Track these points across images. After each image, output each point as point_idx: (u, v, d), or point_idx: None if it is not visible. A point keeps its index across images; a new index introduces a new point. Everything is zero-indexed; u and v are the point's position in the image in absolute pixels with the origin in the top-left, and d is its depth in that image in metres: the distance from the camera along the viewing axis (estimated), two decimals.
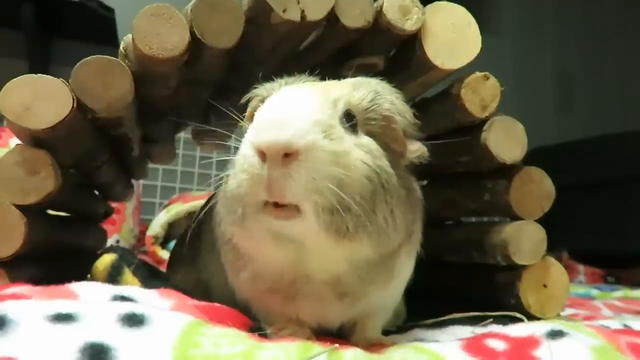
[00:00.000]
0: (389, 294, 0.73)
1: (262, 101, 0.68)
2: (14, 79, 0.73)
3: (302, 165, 0.55)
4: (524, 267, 0.89)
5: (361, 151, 0.60)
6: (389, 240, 0.63)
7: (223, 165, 0.65)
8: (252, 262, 0.66)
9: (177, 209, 2.24)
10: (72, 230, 1.07)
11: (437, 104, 0.93)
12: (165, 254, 2.08)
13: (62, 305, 0.53)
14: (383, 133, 0.66)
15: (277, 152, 0.54)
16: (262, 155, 0.55)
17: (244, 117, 0.72)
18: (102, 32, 2.31)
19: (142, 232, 2.32)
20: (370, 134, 0.65)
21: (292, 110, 0.58)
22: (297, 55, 0.94)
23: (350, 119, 0.63)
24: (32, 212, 0.75)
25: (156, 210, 2.61)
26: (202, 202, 1.53)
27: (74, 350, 0.46)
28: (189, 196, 2.37)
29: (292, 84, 0.69)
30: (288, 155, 0.54)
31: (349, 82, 0.68)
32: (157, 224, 2.21)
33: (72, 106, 0.73)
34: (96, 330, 0.50)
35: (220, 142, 0.75)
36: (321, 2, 0.78)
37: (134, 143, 1.03)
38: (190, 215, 2.15)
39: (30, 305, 0.53)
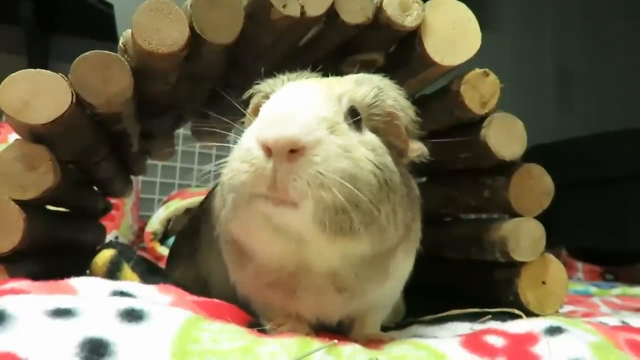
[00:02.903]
0: (387, 291, 0.73)
1: (265, 97, 0.68)
2: (13, 74, 0.72)
3: (308, 162, 0.54)
4: (522, 263, 0.89)
5: (365, 148, 0.61)
6: (388, 238, 0.63)
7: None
8: (255, 258, 0.65)
9: (176, 205, 2.24)
10: (71, 226, 1.07)
11: (436, 101, 0.93)
12: (164, 250, 2.08)
13: (62, 301, 0.53)
14: (386, 129, 0.66)
15: (284, 147, 0.54)
16: (268, 150, 0.55)
17: (245, 112, 0.71)
18: (101, 28, 2.31)
19: (141, 229, 2.32)
20: (373, 130, 0.65)
21: (298, 106, 0.58)
22: (297, 51, 0.94)
23: (354, 115, 0.63)
24: (31, 208, 0.75)
25: (155, 206, 2.60)
26: (201, 198, 1.53)
27: (73, 345, 0.46)
28: (188, 192, 2.37)
29: (295, 80, 0.69)
30: (294, 151, 0.54)
31: (351, 78, 0.68)
32: (156, 220, 2.21)
33: (71, 101, 0.73)
34: (95, 326, 0.50)
35: (221, 132, 0.74)
36: None
37: (133, 139, 1.02)
38: (189, 211, 2.15)
39: (30, 300, 0.53)
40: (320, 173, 0.55)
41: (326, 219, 0.56)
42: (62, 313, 0.51)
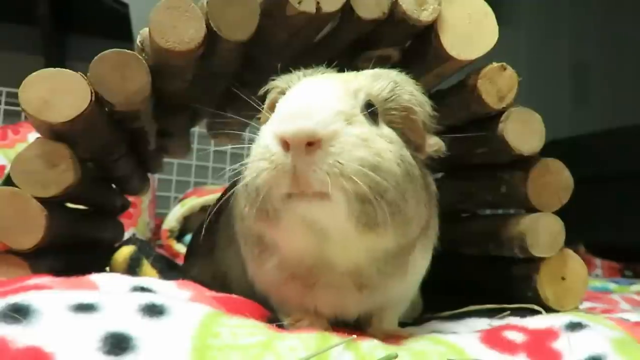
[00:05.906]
0: (406, 286, 0.73)
1: (281, 93, 0.69)
2: (33, 74, 0.74)
3: (326, 154, 0.54)
4: (541, 259, 0.88)
5: (384, 140, 0.60)
6: (410, 232, 0.63)
7: (237, 158, 0.65)
8: (277, 251, 0.65)
9: (192, 202, 2.26)
10: (90, 223, 1.08)
11: (453, 95, 0.92)
12: (180, 248, 2.10)
13: (84, 296, 0.54)
14: (403, 124, 0.66)
15: (301, 141, 0.54)
16: (285, 145, 0.55)
17: (261, 108, 0.72)
18: (116, 28, 2.33)
19: (158, 226, 2.34)
20: (390, 124, 0.65)
21: (315, 100, 0.58)
22: (312, 47, 0.94)
23: (370, 110, 0.63)
24: (52, 205, 0.76)
25: (171, 204, 2.62)
26: (217, 195, 1.54)
27: (96, 340, 0.47)
28: (204, 190, 2.39)
29: (310, 75, 0.69)
30: (311, 145, 0.54)
31: (368, 73, 0.68)
32: (173, 218, 2.24)
33: (91, 100, 0.74)
34: (117, 320, 0.50)
35: (235, 133, 0.75)
36: None
37: (150, 136, 1.03)
38: (205, 208, 2.16)
39: (53, 296, 0.54)
40: (339, 162, 0.54)
41: (355, 212, 0.56)
42: (84, 308, 0.52)
